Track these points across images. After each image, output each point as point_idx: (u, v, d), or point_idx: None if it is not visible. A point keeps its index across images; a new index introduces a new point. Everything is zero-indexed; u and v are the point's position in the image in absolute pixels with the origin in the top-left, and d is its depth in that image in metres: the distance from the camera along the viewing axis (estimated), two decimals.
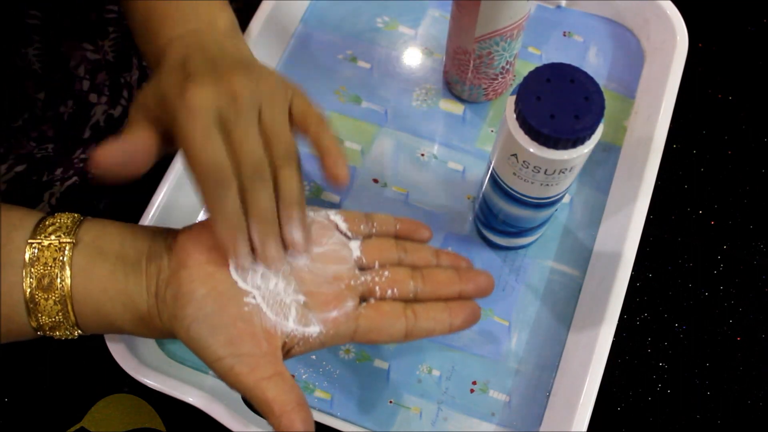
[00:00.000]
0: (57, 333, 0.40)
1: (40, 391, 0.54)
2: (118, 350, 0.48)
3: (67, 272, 0.38)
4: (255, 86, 0.38)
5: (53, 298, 0.38)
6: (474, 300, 0.43)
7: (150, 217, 0.51)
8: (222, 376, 0.37)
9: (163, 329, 0.39)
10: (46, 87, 0.49)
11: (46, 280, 0.38)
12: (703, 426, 0.53)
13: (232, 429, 0.46)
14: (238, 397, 0.50)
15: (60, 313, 0.38)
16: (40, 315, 0.38)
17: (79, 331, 0.40)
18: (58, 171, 0.51)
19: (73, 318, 0.39)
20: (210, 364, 0.38)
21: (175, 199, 0.52)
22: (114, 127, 0.55)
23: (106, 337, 0.48)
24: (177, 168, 0.52)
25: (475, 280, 0.43)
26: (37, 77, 0.48)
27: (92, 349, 0.49)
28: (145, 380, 0.47)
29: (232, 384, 0.37)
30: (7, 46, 0.45)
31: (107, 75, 0.53)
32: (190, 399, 0.47)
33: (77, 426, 0.52)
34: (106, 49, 0.52)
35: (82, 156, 0.53)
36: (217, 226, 0.37)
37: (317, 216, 0.43)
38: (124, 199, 0.57)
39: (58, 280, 0.38)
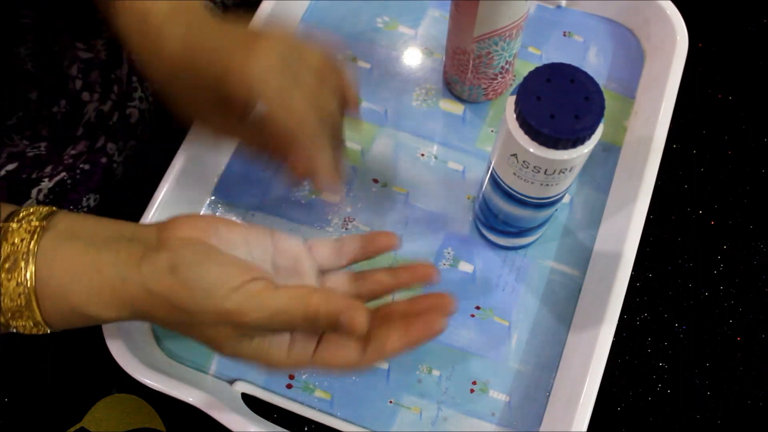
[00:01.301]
0: (20, 323, 0.38)
1: (40, 391, 0.54)
2: (118, 350, 0.48)
3: (32, 251, 0.37)
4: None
5: (16, 278, 0.37)
6: (438, 313, 0.42)
7: (150, 216, 0.51)
8: (239, 304, 0.36)
9: (137, 298, 0.38)
10: (38, 86, 0.49)
11: (10, 261, 0.37)
12: (703, 426, 0.53)
13: (232, 429, 0.46)
14: (238, 396, 0.50)
15: (21, 296, 0.37)
16: (2, 297, 0.37)
17: (43, 321, 0.39)
18: (48, 168, 0.51)
19: (35, 302, 0.38)
20: (222, 299, 0.36)
21: (176, 197, 0.52)
22: (104, 122, 0.55)
23: (106, 336, 0.48)
24: (177, 167, 0.52)
25: (413, 270, 0.43)
26: (29, 77, 0.48)
27: (92, 349, 0.49)
28: (145, 380, 0.47)
29: (254, 306, 0.36)
30: (0, 46, 0.45)
31: (100, 73, 0.53)
32: (190, 399, 0.47)
33: (77, 426, 0.52)
34: (99, 48, 0.52)
35: (72, 152, 0.53)
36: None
37: (290, 250, 0.44)
38: (114, 197, 0.58)
39: (22, 262, 0.37)
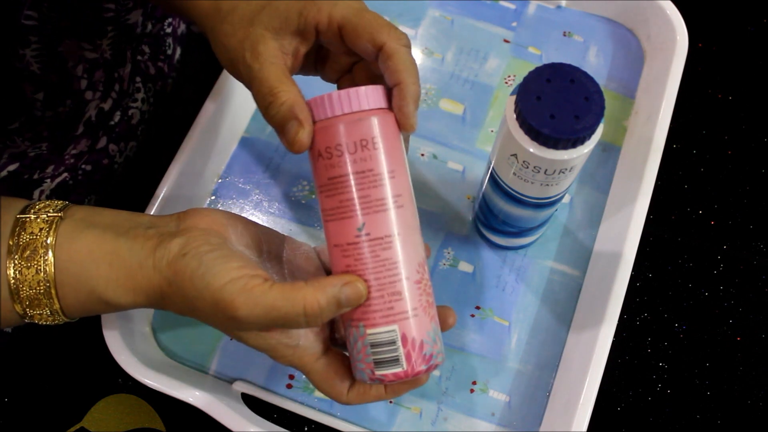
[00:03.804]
0: (37, 311, 0.39)
1: (40, 391, 0.54)
2: (118, 350, 0.48)
3: (51, 240, 0.38)
4: None
5: (35, 266, 0.38)
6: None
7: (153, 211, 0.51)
8: (232, 296, 0.36)
9: (150, 284, 0.38)
10: (44, 88, 0.49)
11: (29, 249, 0.38)
12: (703, 426, 0.53)
13: (232, 429, 0.46)
14: (238, 396, 0.50)
15: (41, 284, 0.38)
16: (21, 286, 0.38)
17: (60, 310, 0.39)
18: (50, 168, 0.52)
19: (53, 290, 0.38)
20: (219, 288, 0.36)
21: (176, 197, 0.52)
22: (105, 121, 0.55)
23: (106, 337, 0.48)
24: (177, 167, 0.52)
25: None
26: (35, 78, 0.48)
27: (92, 349, 0.49)
28: (145, 380, 0.47)
29: (247, 299, 0.36)
30: (3, 48, 0.45)
31: (104, 73, 0.53)
32: (190, 399, 0.47)
33: (77, 426, 0.52)
34: (105, 47, 0.52)
35: (73, 152, 0.53)
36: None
37: (301, 250, 0.45)
38: (114, 197, 0.58)
39: (42, 250, 0.38)
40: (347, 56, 0.43)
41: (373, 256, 0.38)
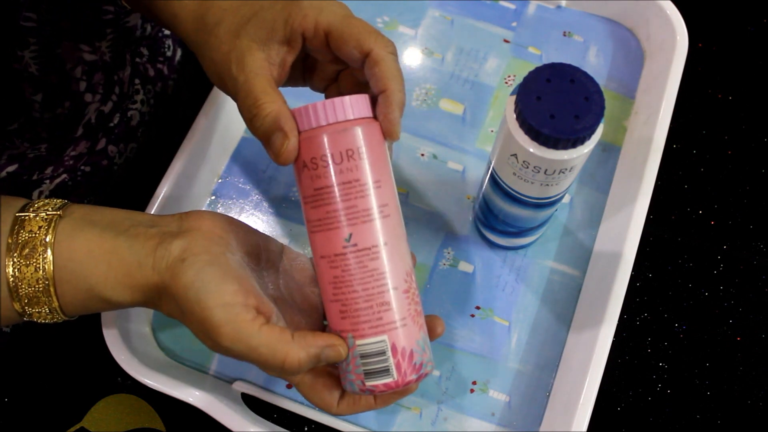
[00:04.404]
0: (36, 309, 0.39)
1: (40, 391, 0.54)
2: (118, 350, 0.48)
3: (50, 238, 0.38)
4: None
5: (34, 264, 0.38)
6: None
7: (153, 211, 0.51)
8: (220, 323, 0.36)
9: (148, 283, 0.38)
10: (43, 89, 0.49)
11: (28, 247, 0.38)
12: (703, 426, 0.53)
13: (232, 429, 0.46)
14: (238, 396, 0.50)
15: (40, 282, 0.38)
16: (20, 284, 0.38)
17: (59, 308, 0.39)
18: (49, 169, 0.52)
19: (52, 288, 0.38)
20: (209, 308, 0.36)
21: (176, 197, 0.52)
22: (104, 123, 0.55)
23: (107, 337, 0.48)
24: (177, 167, 0.52)
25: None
26: (34, 80, 0.48)
27: (92, 349, 0.49)
28: (145, 380, 0.47)
29: (233, 331, 0.36)
30: (2, 50, 0.45)
31: (103, 75, 0.53)
32: (190, 399, 0.47)
33: (77, 426, 0.52)
34: (104, 50, 0.52)
35: (73, 153, 0.53)
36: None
37: (297, 260, 0.45)
38: (114, 199, 0.58)
39: (41, 248, 0.38)
40: (333, 64, 0.43)
41: (361, 267, 0.38)
